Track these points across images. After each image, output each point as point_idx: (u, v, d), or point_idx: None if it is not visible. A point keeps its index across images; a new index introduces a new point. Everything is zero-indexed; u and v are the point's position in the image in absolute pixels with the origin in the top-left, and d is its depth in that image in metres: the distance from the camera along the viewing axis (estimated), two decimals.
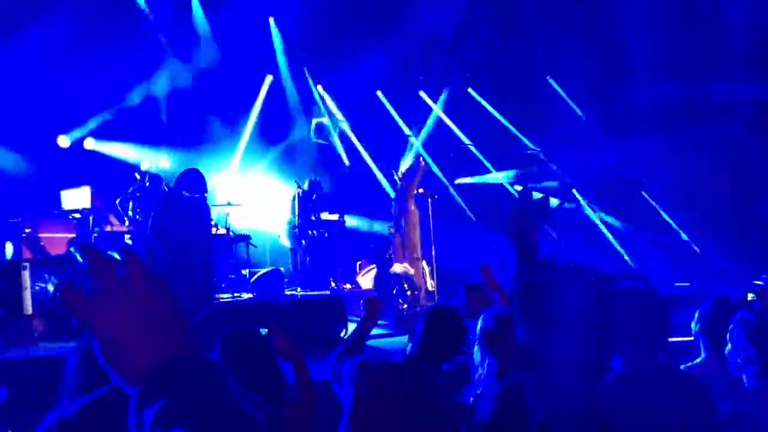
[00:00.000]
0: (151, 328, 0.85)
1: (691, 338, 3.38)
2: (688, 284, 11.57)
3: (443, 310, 3.13)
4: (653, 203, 13.44)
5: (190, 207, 6.96)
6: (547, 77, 13.84)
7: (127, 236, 9.20)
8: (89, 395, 1.96)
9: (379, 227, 11.91)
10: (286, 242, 11.12)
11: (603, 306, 1.43)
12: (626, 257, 13.06)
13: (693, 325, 3.29)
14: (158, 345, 0.85)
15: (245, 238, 7.73)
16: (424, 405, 2.85)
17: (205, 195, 7.19)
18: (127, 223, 9.53)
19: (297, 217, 10.70)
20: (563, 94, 13.77)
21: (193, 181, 7.04)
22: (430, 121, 13.50)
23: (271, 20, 13.06)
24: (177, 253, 6.61)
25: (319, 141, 13.22)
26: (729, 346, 2.65)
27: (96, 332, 0.85)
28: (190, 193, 6.95)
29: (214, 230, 9.51)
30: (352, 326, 7.22)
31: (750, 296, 5.01)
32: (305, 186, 10.79)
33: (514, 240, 9.57)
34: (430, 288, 9.45)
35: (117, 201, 9.41)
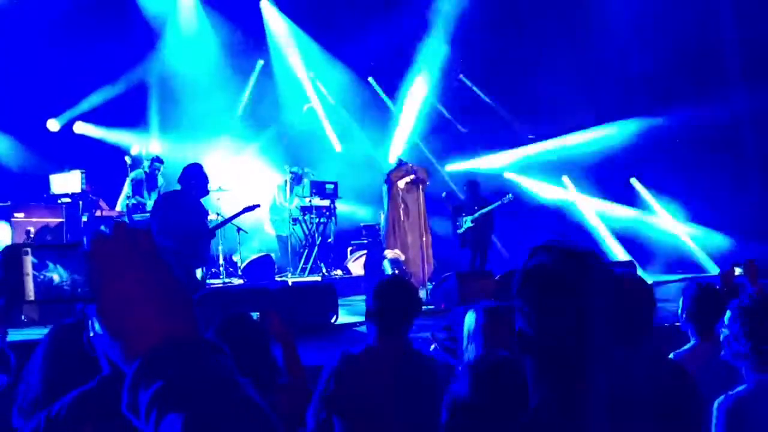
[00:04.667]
0: (156, 304, 0.82)
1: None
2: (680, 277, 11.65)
3: (389, 280, 3.09)
4: (644, 189, 13.51)
5: (193, 205, 6.90)
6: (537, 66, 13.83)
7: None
8: (77, 390, 1.95)
9: (371, 213, 11.91)
10: (270, 230, 11.12)
11: (607, 291, 1.42)
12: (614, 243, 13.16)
13: (679, 312, 3.29)
14: (162, 322, 0.82)
15: (253, 208, 7.53)
16: (403, 379, 2.84)
17: (207, 189, 7.03)
18: (118, 207, 9.49)
19: (288, 204, 10.69)
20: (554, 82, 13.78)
21: (196, 176, 6.95)
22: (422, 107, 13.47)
23: (263, 4, 12.97)
24: (182, 245, 6.58)
25: (311, 126, 13.19)
26: (725, 331, 2.62)
27: (99, 300, 0.83)
28: (195, 188, 6.85)
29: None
30: (342, 312, 7.24)
31: (737, 271, 5.01)
32: (293, 172, 10.78)
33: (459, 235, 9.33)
34: (422, 274, 9.45)
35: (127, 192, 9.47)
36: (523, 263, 1.43)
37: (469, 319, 2.94)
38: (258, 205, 7.62)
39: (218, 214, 9.40)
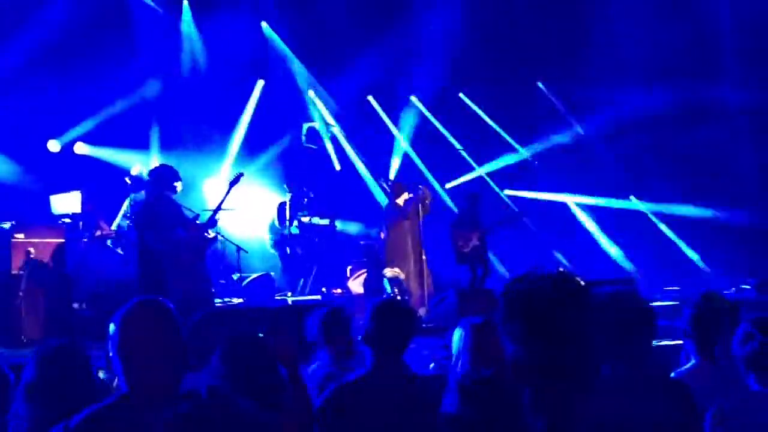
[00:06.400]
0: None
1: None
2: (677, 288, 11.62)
3: (385, 302, 3.06)
4: (642, 206, 13.53)
5: (176, 205, 6.92)
6: (538, 82, 13.90)
7: (108, 241, 9.21)
8: (96, 404, 1.95)
9: (371, 232, 11.91)
10: (270, 249, 11.12)
11: (587, 314, 1.42)
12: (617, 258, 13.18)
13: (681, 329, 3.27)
14: None
15: (237, 179, 7.63)
16: (401, 402, 2.80)
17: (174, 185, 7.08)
18: (113, 226, 9.49)
19: (288, 222, 10.70)
20: (553, 99, 13.86)
21: (164, 177, 6.98)
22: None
23: (263, 25, 13.06)
24: (188, 246, 6.61)
25: (311, 146, 13.22)
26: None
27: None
28: (168, 189, 6.90)
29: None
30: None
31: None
32: (293, 191, 10.81)
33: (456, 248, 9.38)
34: (422, 293, 9.43)
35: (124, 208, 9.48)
36: (501, 294, 1.44)
37: (457, 336, 2.93)
38: (241, 174, 7.70)
39: (221, 235, 9.37)
